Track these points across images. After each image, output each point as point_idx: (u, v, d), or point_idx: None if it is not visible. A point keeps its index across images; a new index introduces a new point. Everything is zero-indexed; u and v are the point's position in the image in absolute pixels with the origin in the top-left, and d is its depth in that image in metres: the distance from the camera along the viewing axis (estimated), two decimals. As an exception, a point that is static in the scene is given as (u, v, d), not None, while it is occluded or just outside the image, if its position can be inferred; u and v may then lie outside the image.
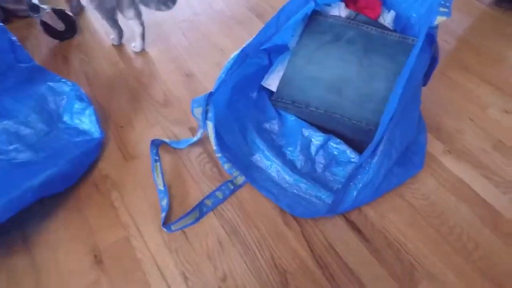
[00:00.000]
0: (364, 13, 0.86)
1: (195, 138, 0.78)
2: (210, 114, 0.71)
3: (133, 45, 1.04)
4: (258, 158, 0.78)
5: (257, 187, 0.73)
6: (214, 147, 0.73)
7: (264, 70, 0.88)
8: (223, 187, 0.74)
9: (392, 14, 0.89)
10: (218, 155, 0.74)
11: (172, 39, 1.09)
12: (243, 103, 0.84)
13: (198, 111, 0.72)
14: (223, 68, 0.77)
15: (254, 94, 0.87)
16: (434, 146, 0.84)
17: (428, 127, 0.87)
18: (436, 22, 0.66)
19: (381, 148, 0.67)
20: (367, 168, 0.67)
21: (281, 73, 0.85)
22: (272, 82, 0.87)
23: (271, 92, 0.86)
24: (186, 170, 0.77)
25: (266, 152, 0.77)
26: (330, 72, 0.80)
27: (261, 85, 0.88)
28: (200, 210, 0.70)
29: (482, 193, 0.76)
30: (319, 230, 0.69)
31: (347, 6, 0.88)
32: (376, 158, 0.67)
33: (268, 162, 0.76)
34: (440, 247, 0.67)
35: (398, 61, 0.75)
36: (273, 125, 0.83)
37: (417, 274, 0.64)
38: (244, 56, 0.74)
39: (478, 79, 1.03)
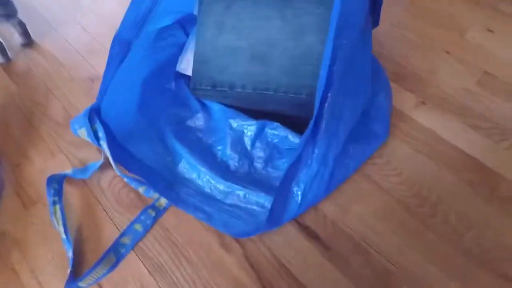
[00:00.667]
0: None
1: (99, 162, 0.62)
2: (101, 134, 0.55)
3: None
4: (184, 169, 0.62)
5: (183, 208, 0.57)
6: (117, 172, 0.57)
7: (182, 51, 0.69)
8: (142, 217, 0.58)
9: None
10: (125, 179, 0.58)
11: (69, 36, 0.89)
12: (158, 99, 0.67)
13: (83, 132, 0.55)
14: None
15: (172, 85, 0.69)
16: (402, 99, 0.66)
17: (392, 76, 0.69)
18: None
19: (322, 126, 0.50)
20: (308, 161, 0.50)
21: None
22: (187, 65, 0.68)
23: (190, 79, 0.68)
24: (97, 203, 0.61)
25: (190, 158, 0.60)
26: (248, 38, 0.60)
27: (178, 72, 0.70)
28: (116, 253, 0.56)
29: (470, 149, 0.59)
30: (266, 246, 0.54)
31: None
32: (318, 143, 0.50)
33: (194, 172, 0.60)
34: (421, 237, 0.52)
35: (328, 1, 0.55)
36: (198, 121, 0.66)
37: (394, 279, 0.49)
38: (120, 44, 0.55)
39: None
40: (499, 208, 0.54)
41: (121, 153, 0.60)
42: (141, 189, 0.60)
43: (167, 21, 0.64)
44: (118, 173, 0.58)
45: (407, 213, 0.54)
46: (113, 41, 0.54)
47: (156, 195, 0.59)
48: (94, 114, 0.57)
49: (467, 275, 0.49)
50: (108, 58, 0.55)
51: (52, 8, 0.96)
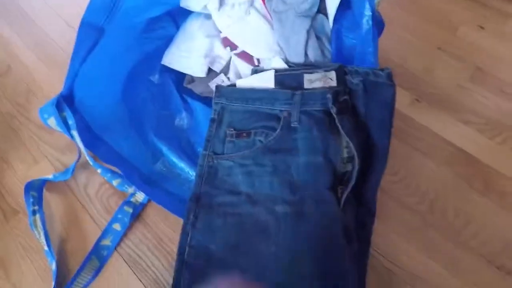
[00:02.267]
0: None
1: (77, 157, 0.60)
2: (71, 122, 0.53)
3: None
4: (163, 166, 0.60)
5: (160, 203, 0.55)
6: (89, 160, 0.56)
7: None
8: (119, 215, 0.57)
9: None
10: (98, 170, 0.57)
11: (51, 31, 0.84)
12: (142, 93, 0.65)
13: (52, 122, 0.54)
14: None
15: (156, 78, 0.67)
16: (398, 98, 0.66)
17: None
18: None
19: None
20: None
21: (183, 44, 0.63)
22: (172, 58, 0.65)
23: (179, 73, 0.66)
24: (84, 212, 0.59)
25: (170, 156, 0.60)
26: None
27: (164, 65, 0.68)
28: (98, 257, 0.54)
29: (464, 145, 0.60)
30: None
31: None
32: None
33: (174, 169, 0.59)
34: (421, 234, 0.53)
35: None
36: (181, 120, 0.64)
37: (397, 279, 0.50)
38: (90, 29, 0.53)
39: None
40: (494, 201, 0.55)
41: (97, 143, 0.58)
42: (115, 182, 0.58)
43: (155, 12, 0.62)
44: (91, 162, 0.56)
45: (407, 211, 0.55)
46: (81, 25, 0.52)
47: (131, 189, 0.58)
48: (63, 101, 0.54)
49: (467, 269, 0.50)
50: (76, 43, 0.52)
51: (32, 1, 0.91)
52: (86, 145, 0.56)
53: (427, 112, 0.65)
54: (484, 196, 0.56)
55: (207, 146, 0.49)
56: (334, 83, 0.47)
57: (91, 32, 0.54)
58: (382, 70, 0.46)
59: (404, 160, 0.60)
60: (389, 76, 0.45)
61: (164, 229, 0.56)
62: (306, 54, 0.58)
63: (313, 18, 0.58)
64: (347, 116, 0.45)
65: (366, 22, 0.47)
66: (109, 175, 0.58)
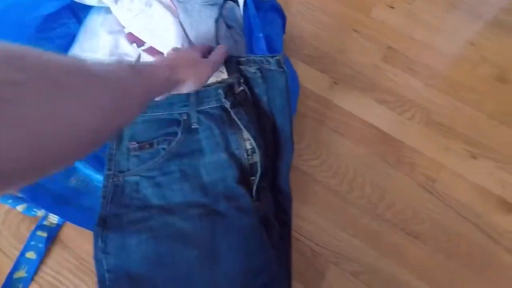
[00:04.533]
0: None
1: None
2: None
3: None
4: (78, 181, 0.55)
5: (77, 223, 0.50)
6: None
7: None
8: (32, 242, 0.52)
9: None
10: None
11: None
12: None
13: None
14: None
15: None
16: (316, 81, 0.68)
17: (306, 59, 0.70)
18: None
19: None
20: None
21: (86, 43, 0.57)
22: None
23: None
24: None
25: (84, 169, 0.55)
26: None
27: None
28: None
29: (378, 122, 0.64)
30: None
31: None
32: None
33: (92, 183, 0.55)
34: (342, 213, 0.56)
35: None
36: None
37: (321, 258, 0.53)
38: None
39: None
40: (405, 173, 0.60)
41: None
42: (20, 208, 0.53)
43: (50, 7, 0.55)
44: None
45: (329, 192, 0.57)
46: None
47: (41, 213, 0.54)
48: None
49: (384, 239, 0.54)
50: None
51: None
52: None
53: (344, 93, 0.67)
54: (396, 169, 0.60)
55: (110, 165, 0.46)
56: (225, 75, 0.46)
57: None
58: (272, 57, 0.45)
59: (325, 143, 0.62)
60: (278, 63, 0.45)
61: (85, 247, 0.52)
62: (217, 44, 0.56)
63: (222, 7, 0.56)
64: (245, 107, 0.44)
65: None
66: (10, 201, 0.52)
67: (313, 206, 0.56)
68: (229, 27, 0.57)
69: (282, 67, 0.44)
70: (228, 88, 0.44)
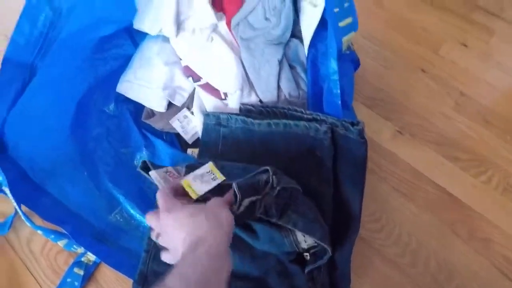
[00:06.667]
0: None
1: (19, 211, 0.49)
2: (1, 178, 0.45)
3: None
4: (120, 217, 0.52)
5: (114, 267, 0.47)
6: (26, 221, 0.48)
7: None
8: (68, 279, 0.48)
9: None
10: (39, 231, 0.48)
11: None
12: (94, 126, 0.55)
13: None
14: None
15: (111, 108, 0.57)
16: (379, 129, 0.61)
17: (367, 101, 0.63)
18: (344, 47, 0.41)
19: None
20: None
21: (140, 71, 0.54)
22: (128, 86, 0.56)
23: (138, 103, 0.56)
24: (27, 273, 0.50)
25: (128, 206, 0.51)
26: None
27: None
28: None
29: (447, 184, 0.56)
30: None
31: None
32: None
33: (131, 221, 0.51)
34: (403, 291, 0.49)
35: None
36: (142, 158, 0.55)
37: None
38: (16, 68, 0.45)
39: (428, 7, 0.76)
40: (478, 251, 0.51)
41: (36, 196, 0.49)
42: (61, 243, 0.50)
43: (107, 30, 0.52)
44: (28, 223, 0.48)
45: (388, 266, 0.50)
46: (3, 64, 0.43)
47: (81, 249, 0.50)
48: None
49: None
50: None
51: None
52: (23, 200, 0.47)
53: (409, 146, 0.59)
54: (468, 244, 0.52)
55: None
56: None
57: (17, 72, 0.44)
58: (352, 124, 0.39)
59: (385, 204, 0.54)
60: (360, 133, 0.39)
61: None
62: (279, 87, 0.50)
63: (286, 45, 0.50)
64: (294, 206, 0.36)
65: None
66: (52, 236, 0.49)
67: (367, 279, 0.49)
68: (291, 67, 0.51)
69: (363, 138, 0.38)
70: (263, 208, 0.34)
